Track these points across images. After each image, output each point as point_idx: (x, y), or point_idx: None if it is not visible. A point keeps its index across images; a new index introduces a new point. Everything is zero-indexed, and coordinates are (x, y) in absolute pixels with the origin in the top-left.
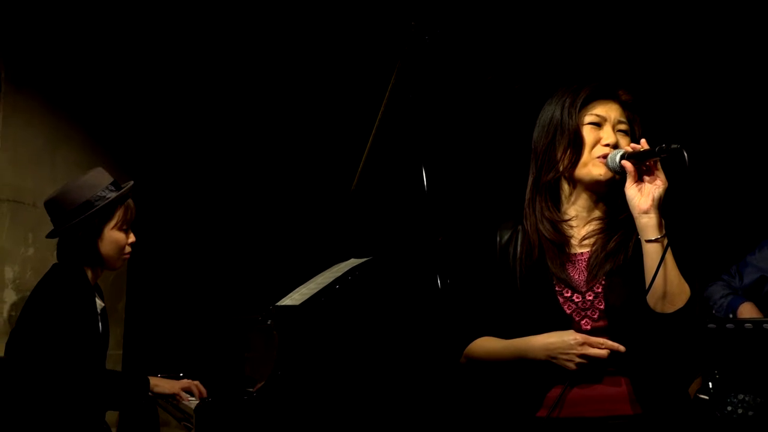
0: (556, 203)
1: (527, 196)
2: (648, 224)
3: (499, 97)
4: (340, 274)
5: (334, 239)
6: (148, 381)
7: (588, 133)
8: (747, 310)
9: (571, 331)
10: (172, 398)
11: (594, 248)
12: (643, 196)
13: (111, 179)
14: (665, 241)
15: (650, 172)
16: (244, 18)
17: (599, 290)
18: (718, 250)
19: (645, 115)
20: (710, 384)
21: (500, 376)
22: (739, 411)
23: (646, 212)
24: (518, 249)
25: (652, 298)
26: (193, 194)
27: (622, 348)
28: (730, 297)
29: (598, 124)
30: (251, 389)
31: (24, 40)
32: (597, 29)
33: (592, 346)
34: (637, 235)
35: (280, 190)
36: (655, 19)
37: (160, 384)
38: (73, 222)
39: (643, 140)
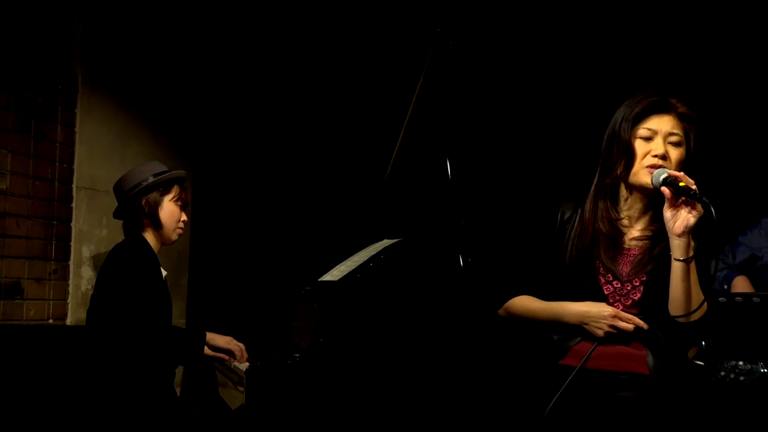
0: (614, 201)
1: (591, 191)
2: (678, 246)
3: (518, 94)
4: (374, 253)
5: (369, 222)
6: (205, 334)
7: (639, 146)
8: (740, 283)
9: (605, 304)
10: (226, 361)
11: (642, 248)
12: (677, 221)
13: (162, 168)
14: (692, 264)
15: (687, 202)
16: (296, 25)
17: (637, 283)
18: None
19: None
20: (705, 351)
21: (533, 330)
22: (731, 376)
23: (678, 236)
24: (574, 230)
25: (672, 308)
26: (249, 182)
27: (646, 326)
28: (725, 271)
29: (649, 138)
30: (297, 354)
31: (98, 48)
32: (605, 31)
33: (621, 319)
34: None
35: (323, 179)
36: (663, 18)
37: (215, 337)
38: (131, 194)
39: (682, 174)
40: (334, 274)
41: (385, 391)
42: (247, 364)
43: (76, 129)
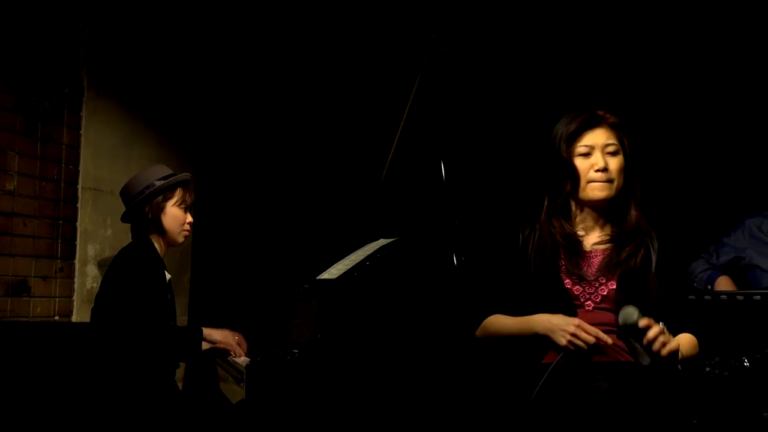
0: (567, 217)
1: (543, 212)
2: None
3: (510, 99)
4: (370, 252)
5: (366, 222)
6: (202, 330)
7: (581, 163)
8: (723, 283)
9: (575, 318)
10: (226, 354)
11: (608, 252)
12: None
13: (167, 172)
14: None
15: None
16: (296, 30)
17: (604, 281)
18: (701, 233)
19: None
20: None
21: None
22: (716, 372)
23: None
24: (535, 244)
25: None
26: (250, 183)
27: (609, 341)
28: (709, 272)
29: (588, 154)
30: (296, 350)
31: (103, 53)
32: (596, 37)
33: (584, 330)
34: (645, 248)
35: (321, 180)
36: (648, 24)
37: (212, 332)
38: (136, 201)
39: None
40: (332, 273)
41: (381, 386)
42: (247, 359)
43: (82, 132)
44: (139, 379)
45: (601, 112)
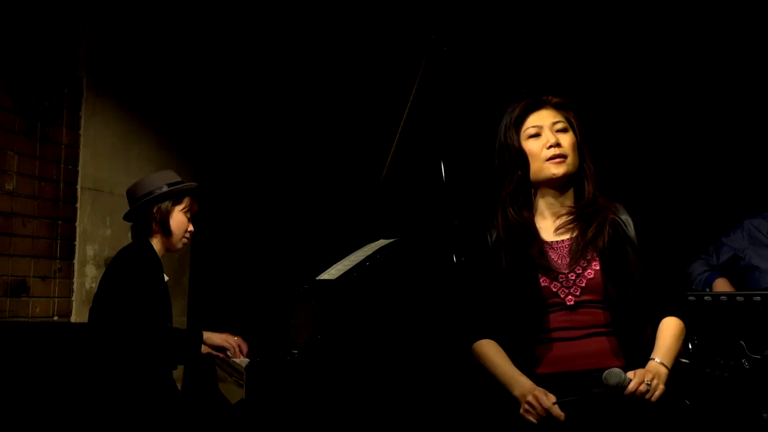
0: (528, 205)
1: (498, 208)
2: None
3: (509, 99)
4: (370, 252)
5: (366, 223)
6: (202, 334)
7: (532, 145)
8: (720, 285)
9: (541, 391)
10: (225, 356)
11: (574, 236)
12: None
13: (177, 179)
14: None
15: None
16: (295, 30)
17: (579, 271)
18: (700, 234)
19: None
20: (690, 348)
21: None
22: (716, 372)
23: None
24: (499, 243)
25: None
26: (248, 183)
27: (561, 417)
28: (707, 273)
29: (537, 134)
30: (295, 351)
31: (103, 53)
32: (595, 37)
33: (545, 397)
34: (611, 224)
35: (321, 180)
36: (649, 22)
37: (212, 336)
38: (144, 201)
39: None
40: (331, 273)
41: (381, 387)
42: (247, 360)
43: (81, 132)
44: (138, 380)
45: (544, 96)
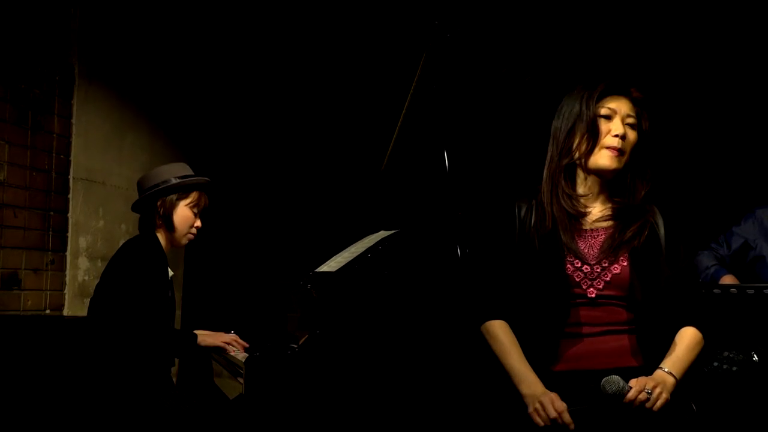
0: (572, 182)
1: (545, 174)
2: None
3: (512, 87)
4: (371, 244)
5: (367, 213)
6: (196, 336)
7: (601, 124)
8: (728, 281)
9: (554, 396)
10: (223, 351)
11: (611, 231)
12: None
13: (188, 172)
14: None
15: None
16: (292, 17)
17: (606, 264)
18: (710, 224)
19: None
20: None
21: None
22: (724, 366)
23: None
24: (533, 220)
25: None
26: (245, 174)
27: (571, 426)
28: (714, 268)
29: (609, 117)
30: (294, 345)
31: (95, 40)
32: (598, 30)
33: (552, 406)
34: (650, 225)
35: (319, 172)
36: (657, 17)
37: (207, 338)
38: (149, 193)
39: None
40: (331, 265)
41: (382, 381)
42: (245, 354)
43: (73, 120)
44: (133, 374)
45: (627, 83)
